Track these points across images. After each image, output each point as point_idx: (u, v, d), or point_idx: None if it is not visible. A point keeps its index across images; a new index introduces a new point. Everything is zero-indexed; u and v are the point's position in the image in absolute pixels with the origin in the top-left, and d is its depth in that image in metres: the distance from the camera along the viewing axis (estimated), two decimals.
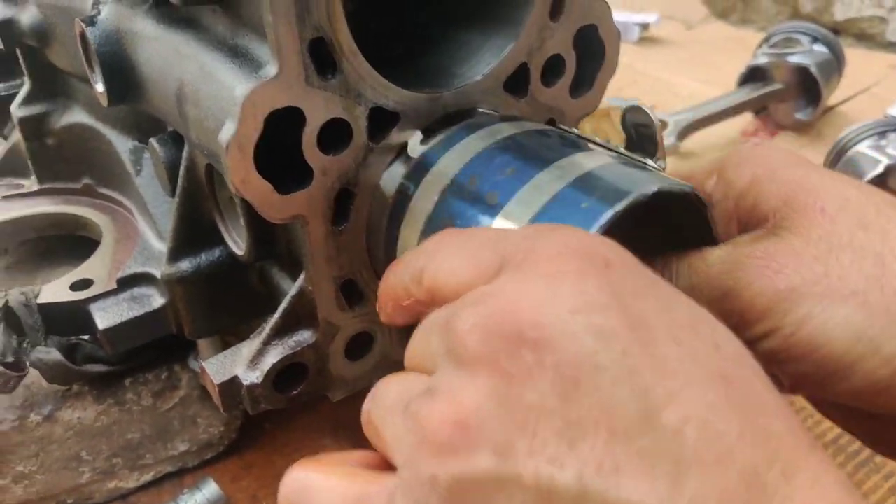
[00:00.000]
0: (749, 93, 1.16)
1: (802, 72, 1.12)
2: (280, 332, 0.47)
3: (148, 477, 0.64)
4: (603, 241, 0.30)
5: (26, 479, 0.59)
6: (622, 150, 0.42)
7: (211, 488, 0.62)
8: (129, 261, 0.58)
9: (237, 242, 0.51)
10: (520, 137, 0.42)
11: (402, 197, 0.43)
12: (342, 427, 0.70)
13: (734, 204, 0.41)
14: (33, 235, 0.68)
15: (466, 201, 0.40)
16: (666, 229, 0.41)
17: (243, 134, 0.37)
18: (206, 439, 0.65)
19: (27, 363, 0.55)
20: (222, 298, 0.56)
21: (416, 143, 0.43)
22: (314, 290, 0.45)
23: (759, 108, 1.19)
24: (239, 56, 0.40)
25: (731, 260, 0.38)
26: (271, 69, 0.37)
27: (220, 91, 0.39)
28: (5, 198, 0.68)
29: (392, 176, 0.44)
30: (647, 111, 0.50)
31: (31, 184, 0.69)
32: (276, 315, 0.47)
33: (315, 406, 0.72)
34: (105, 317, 0.55)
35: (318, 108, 0.39)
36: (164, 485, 0.65)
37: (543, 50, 0.47)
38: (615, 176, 0.37)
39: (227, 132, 0.37)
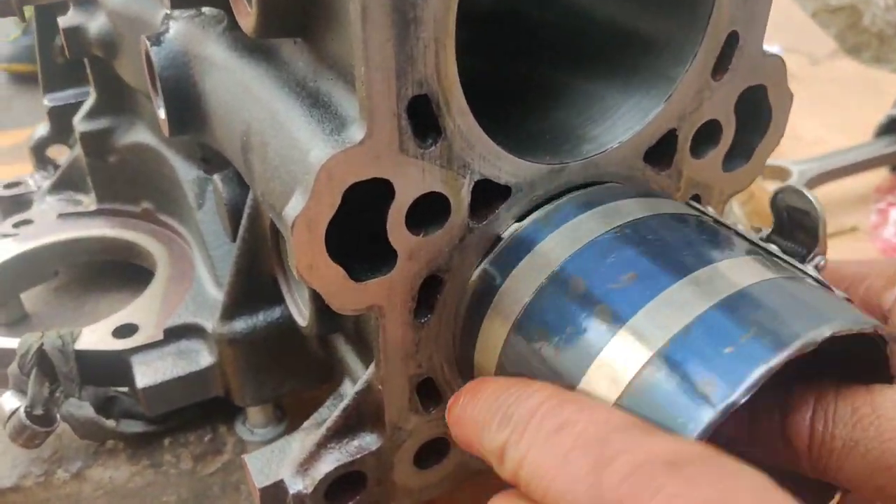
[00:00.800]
0: (887, 146, 1.02)
1: None
2: (339, 433, 0.39)
3: None
4: None
5: None
6: (772, 247, 0.33)
7: None
8: (180, 307, 0.51)
9: (300, 310, 0.44)
10: (647, 224, 0.32)
11: (490, 281, 0.34)
12: None
13: None
14: (86, 259, 0.62)
15: (573, 306, 0.31)
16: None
17: (315, 210, 0.29)
18: None
19: (57, 417, 0.49)
20: (277, 364, 0.49)
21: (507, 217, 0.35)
22: (384, 390, 0.37)
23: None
24: (319, 106, 0.32)
25: None
26: (358, 132, 0.29)
27: (291, 150, 0.31)
28: (61, 216, 0.62)
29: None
30: (810, 197, 0.40)
31: (89, 202, 0.64)
32: (336, 412, 0.38)
33: None
34: (146, 373, 0.48)
35: (412, 181, 0.31)
36: None
37: (699, 114, 0.37)
38: (773, 303, 0.28)
39: (294, 206, 0.29)
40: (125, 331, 0.51)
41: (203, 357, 0.49)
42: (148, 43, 0.42)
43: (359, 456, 0.38)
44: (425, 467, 0.41)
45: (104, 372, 0.50)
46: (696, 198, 0.41)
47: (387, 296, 0.34)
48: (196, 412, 0.54)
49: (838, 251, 0.95)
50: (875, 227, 0.99)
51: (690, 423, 0.26)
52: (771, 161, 1.10)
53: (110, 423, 0.50)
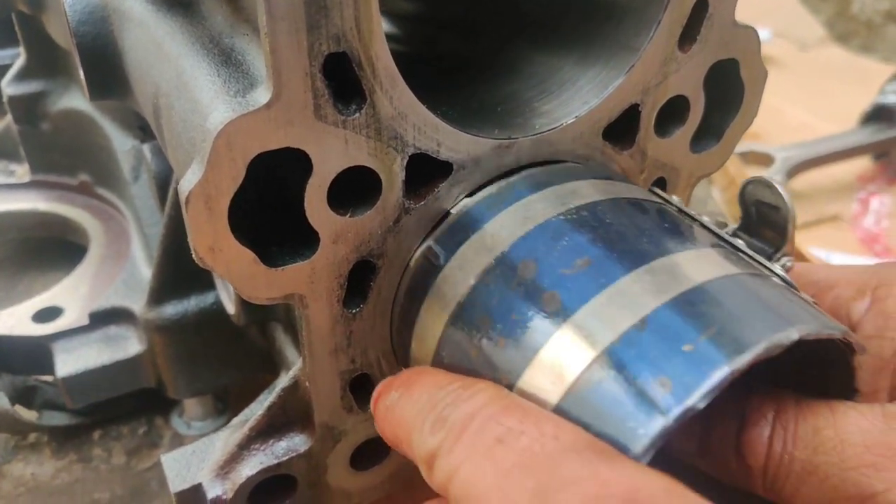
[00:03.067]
0: (872, 134, 0.99)
1: None
2: (264, 433, 0.35)
3: None
4: None
5: None
6: (739, 242, 0.30)
7: None
8: (110, 290, 0.48)
9: (229, 295, 0.40)
10: (604, 208, 0.29)
11: (429, 266, 0.30)
12: None
13: (892, 348, 0.29)
14: (16, 234, 0.58)
15: (518, 293, 0.27)
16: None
17: (214, 184, 0.25)
18: None
19: None
20: (213, 353, 0.45)
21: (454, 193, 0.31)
22: (311, 388, 0.33)
23: (880, 152, 1.02)
24: (230, 65, 0.28)
25: (879, 442, 0.25)
26: (264, 94, 0.25)
27: (193, 114, 0.27)
28: None
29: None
30: (780, 190, 0.36)
31: (23, 172, 0.59)
32: (260, 411, 0.35)
33: None
34: (68, 361, 0.44)
35: (333, 153, 0.27)
36: None
37: (664, 89, 0.34)
38: (735, 302, 0.24)
39: (190, 179, 0.25)
40: (47, 314, 0.47)
41: (132, 345, 0.45)
42: None
43: (286, 458, 0.35)
44: (363, 469, 0.38)
45: (22, 359, 0.46)
46: (662, 181, 0.37)
47: (309, 283, 0.30)
48: (129, 404, 0.50)
49: (819, 239, 0.93)
50: (856, 216, 0.97)
51: (640, 429, 0.23)
52: (754, 147, 1.07)
53: (31, 414, 0.47)
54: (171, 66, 0.30)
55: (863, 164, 1.04)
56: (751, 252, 0.29)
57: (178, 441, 0.51)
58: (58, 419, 0.48)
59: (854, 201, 0.99)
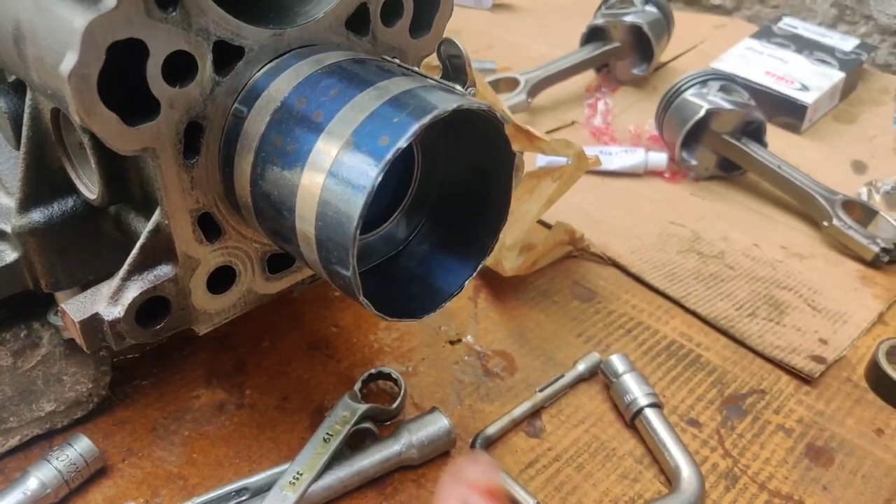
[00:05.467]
0: (590, 51, 1.24)
1: (636, 30, 1.22)
2: (139, 267, 0.48)
3: (14, 441, 0.63)
4: None
5: None
6: (437, 78, 0.47)
7: (83, 443, 0.62)
8: None
9: (88, 187, 0.52)
10: (345, 64, 0.45)
11: (237, 121, 0.45)
12: (215, 376, 0.72)
13: None
14: None
15: (294, 121, 0.43)
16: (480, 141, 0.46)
17: (85, 64, 0.39)
18: (73, 398, 0.65)
19: None
20: (79, 248, 0.57)
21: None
22: (170, 223, 0.47)
23: (600, 65, 1.28)
24: None
25: None
26: (111, 1, 0.38)
27: (59, 25, 0.40)
28: None
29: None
30: (459, 44, 0.54)
31: None
32: (135, 250, 0.48)
33: (185, 358, 0.74)
34: None
35: (161, 41, 0.41)
36: (34, 448, 0.64)
37: None
38: (424, 96, 0.41)
39: (68, 63, 0.38)
40: None
41: (7, 255, 0.55)
42: None
43: (159, 283, 0.48)
44: (218, 292, 0.52)
45: None
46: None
47: (157, 139, 0.44)
48: (8, 312, 0.60)
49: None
50: (588, 118, 1.22)
51: (371, 171, 0.39)
52: (502, 75, 1.28)
53: None
54: (27, 1, 0.43)
55: (588, 77, 1.30)
56: (440, 80, 0.47)
57: (58, 337, 0.61)
58: None
59: (585, 107, 1.24)
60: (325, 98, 0.43)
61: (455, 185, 0.51)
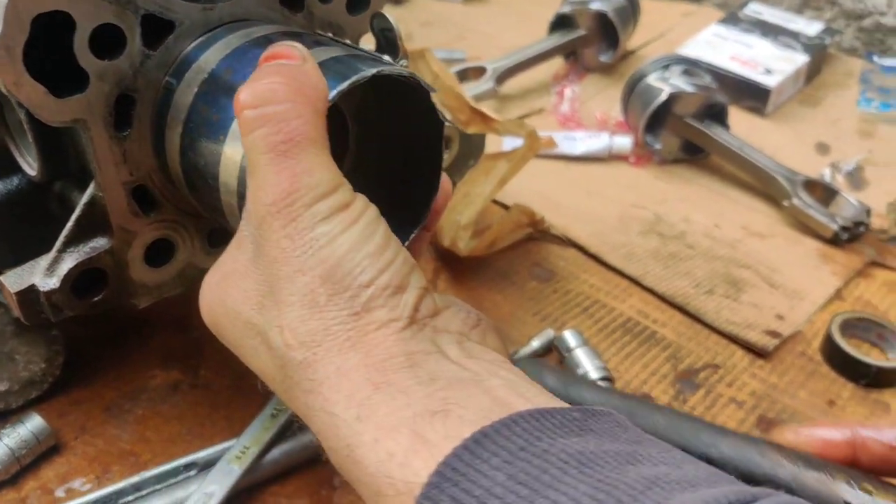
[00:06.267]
0: (557, 40, 1.25)
1: (602, 18, 1.23)
2: (75, 239, 0.49)
3: None
4: None
5: None
6: (366, 49, 0.48)
7: (35, 421, 0.63)
8: None
9: (30, 164, 0.53)
10: (274, 36, 0.46)
11: (168, 94, 0.46)
12: (171, 358, 0.73)
13: None
14: None
15: (220, 91, 0.44)
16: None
17: (10, 36, 0.39)
18: (27, 377, 0.65)
19: None
20: (25, 227, 0.57)
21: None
22: (105, 196, 0.48)
23: (567, 52, 1.29)
24: None
25: None
26: None
27: None
28: None
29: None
30: (390, 18, 0.54)
31: None
32: (70, 223, 0.48)
33: (144, 340, 0.74)
34: None
35: (88, 14, 0.42)
36: None
37: None
38: (347, 64, 0.42)
39: None
40: None
41: None
42: None
43: (95, 254, 0.49)
44: (157, 266, 0.52)
45: None
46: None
47: (87, 110, 0.44)
48: None
49: (533, 126, 1.17)
50: (555, 105, 1.23)
51: None
52: (470, 64, 1.28)
53: None
54: None
55: (556, 65, 1.31)
56: (367, 51, 0.48)
57: (8, 314, 0.62)
58: None
59: (553, 95, 1.25)
60: (251, 68, 0.43)
61: (391, 155, 0.52)
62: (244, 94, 0.37)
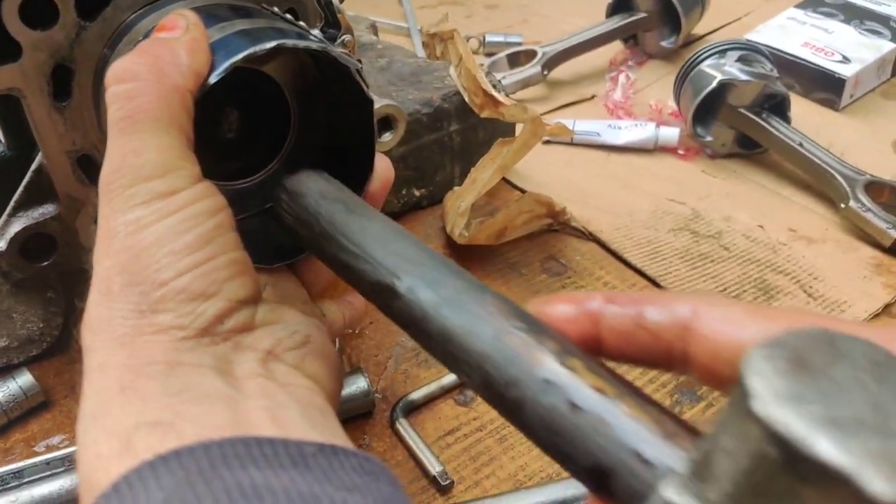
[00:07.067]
0: (614, 23, 1.19)
1: (664, 0, 1.16)
2: (24, 205, 0.51)
3: None
4: None
5: None
6: (296, 23, 0.47)
7: (24, 377, 0.66)
8: None
9: (2, 139, 0.55)
10: (211, 8, 0.46)
11: (103, 65, 0.46)
12: None
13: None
14: None
15: None
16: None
17: None
18: (25, 335, 0.69)
19: None
20: (6, 194, 0.60)
21: None
22: (48, 165, 0.49)
23: (626, 36, 1.22)
24: None
25: None
26: None
27: None
28: None
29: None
30: None
31: None
32: (20, 188, 0.50)
33: None
34: None
35: None
36: None
37: None
38: (251, 38, 0.41)
39: None
40: None
41: None
42: None
43: (42, 220, 0.51)
44: None
45: None
46: (293, 10, 0.54)
47: (23, 80, 0.46)
48: None
49: (579, 115, 1.12)
50: (608, 92, 1.17)
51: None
52: (521, 47, 1.25)
53: None
54: None
55: (615, 49, 1.25)
56: (297, 24, 0.46)
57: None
58: None
59: (607, 81, 1.20)
60: None
61: (333, 136, 0.51)
62: (109, 72, 0.36)
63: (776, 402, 0.19)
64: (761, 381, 0.20)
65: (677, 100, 1.06)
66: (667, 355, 0.29)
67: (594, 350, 0.30)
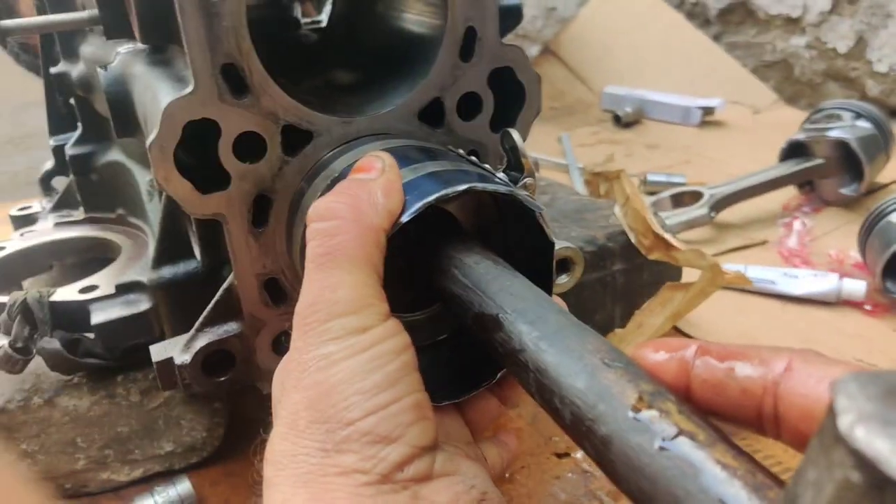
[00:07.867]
0: (788, 168, 1.15)
1: (842, 146, 1.11)
2: (211, 321, 0.54)
3: (138, 473, 0.72)
4: None
5: (29, 458, 0.68)
6: (481, 164, 0.47)
7: (184, 485, 0.68)
8: (130, 272, 0.68)
9: (197, 252, 0.59)
10: (402, 149, 0.48)
11: (299, 197, 0.49)
12: None
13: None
14: (74, 256, 0.79)
15: None
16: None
17: (163, 137, 0.46)
18: (189, 442, 0.72)
19: (34, 350, 0.65)
20: (196, 305, 0.64)
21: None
22: (238, 285, 0.52)
23: (800, 182, 1.17)
24: (179, 81, 0.49)
25: None
26: (189, 88, 0.46)
27: (155, 107, 0.48)
28: (57, 224, 0.81)
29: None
30: (513, 135, 0.53)
31: (79, 214, 0.82)
32: (210, 306, 0.53)
33: None
34: (99, 315, 0.64)
35: (233, 122, 0.47)
36: (153, 484, 0.72)
37: (457, 87, 0.53)
38: (441, 180, 0.42)
39: (151, 136, 0.46)
40: (88, 289, 0.67)
41: (143, 303, 0.65)
42: (99, 69, 0.61)
43: (225, 337, 0.53)
44: (282, 354, 0.55)
45: (71, 319, 0.66)
46: (474, 153, 0.56)
47: (227, 206, 0.49)
48: (142, 355, 0.69)
49: (749, 260, 1.07)
50: (781, 238, 1.11)
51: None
52: (687, 188, 1.23)
53: (75, 359, 0.66)
54: (149, 91, 0.52)
55: (788, 194, 1.19)
56: (481, 165, 0.47)
57: None
58: (92, 361, 0.67)
59: (780, 227, 1.14)
60: None
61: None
62: (311, 208, 0.38)
63: (864, 423, 0.19)
64: (850, 402, 0.19)
65: (862, 251, 0.98)
66: (755, 413, 0.28)
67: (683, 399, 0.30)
